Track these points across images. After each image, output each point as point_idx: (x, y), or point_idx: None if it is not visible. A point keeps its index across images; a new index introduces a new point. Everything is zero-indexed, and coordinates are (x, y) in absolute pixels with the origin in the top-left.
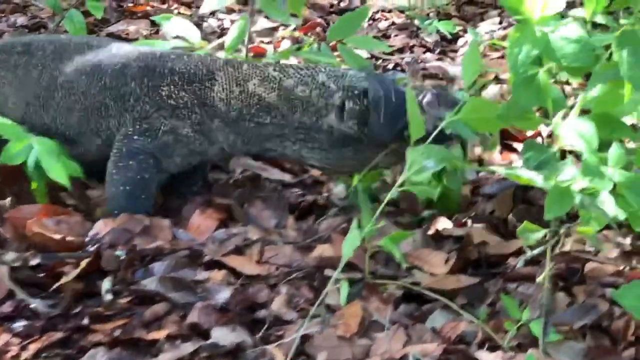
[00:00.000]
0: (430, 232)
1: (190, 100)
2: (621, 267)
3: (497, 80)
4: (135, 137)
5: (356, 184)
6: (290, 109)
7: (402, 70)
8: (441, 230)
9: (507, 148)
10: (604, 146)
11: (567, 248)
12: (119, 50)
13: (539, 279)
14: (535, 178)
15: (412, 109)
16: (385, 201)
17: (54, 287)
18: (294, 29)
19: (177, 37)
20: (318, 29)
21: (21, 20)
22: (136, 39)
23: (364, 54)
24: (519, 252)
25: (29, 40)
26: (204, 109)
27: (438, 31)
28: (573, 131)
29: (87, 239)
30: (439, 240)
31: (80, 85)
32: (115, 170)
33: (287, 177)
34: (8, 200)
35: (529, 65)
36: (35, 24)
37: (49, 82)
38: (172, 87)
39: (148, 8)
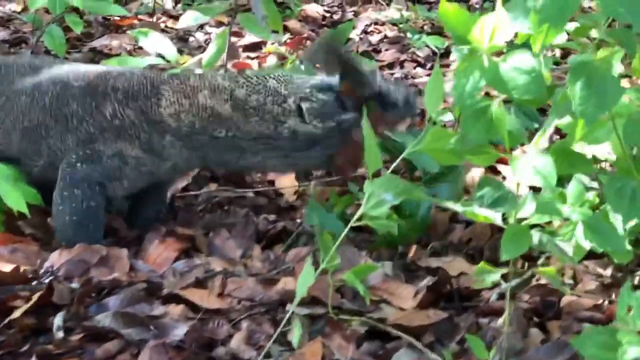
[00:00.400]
0: (403, 261)
1: (137, 118)
2: (600, 301)
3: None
4: (79, 165)
5: (309, 205)
6: (245, 119)
7: None
8: (416, 260)
9: (492, 170)
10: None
11: (543, 280)
12: (59, 70)
13: (500, 321)
14: (492, 216)
15: (370, 141)
16: (345, 232)
17: (4, 322)
18: (283, 43)
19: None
20: (308, 43)
21: (2, 34)
22: (118, 54)
23: None
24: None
25: None
26: (152, 126)
27: (427, 46)
28: (530, 167)
29: (41, 271)
30: (413, 270)
31: (20, 106)
32: (60, 201)
33: (260, 201)
34: None
35: (478, 97)
36: (16, 39)
37: None
38: (116, 105)
39: (135, 22)
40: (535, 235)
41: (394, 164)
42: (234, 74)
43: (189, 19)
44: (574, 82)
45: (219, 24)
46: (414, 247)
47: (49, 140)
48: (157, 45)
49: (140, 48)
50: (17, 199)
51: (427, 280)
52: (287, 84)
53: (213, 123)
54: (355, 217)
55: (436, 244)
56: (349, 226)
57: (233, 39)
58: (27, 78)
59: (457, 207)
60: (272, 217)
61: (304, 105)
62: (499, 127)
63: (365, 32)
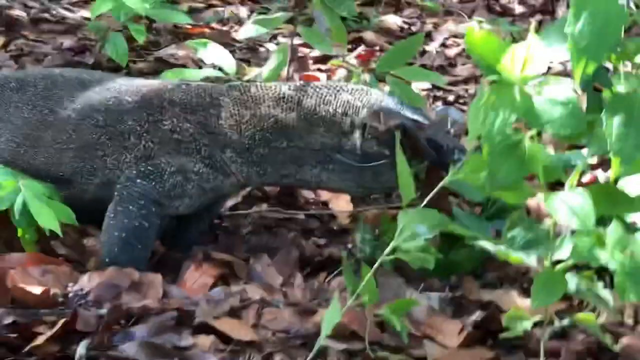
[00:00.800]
0: (453, 294)
1: (197, 131)
2: None
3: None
4: (138, 181)
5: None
6: (310, 129)
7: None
8: (467, 292)
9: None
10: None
11: (601, 319)
12: (110, 85)
13: None
14: (527, 259)
15: (403, 170)
16: (377, 263)
17: (26, 349)
18: (356, 56)
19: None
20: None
21: (68, 42)
22: (183, 65)
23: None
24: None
25: (23, 75)
26: (213, 140)
27: None
28: (565, 206)
29: (70, 295)
30: (463, 304)
31: (71, 124)
32: (112, 215)
33: (312, 223)
34: None
35: (508, 131)
36: (81, 47)
37: (39, 121)
38: (174, 119)
39: (206, 30)
40: (572, 280)
41: (432, 193)
42: (302, 84)
43: (250, 30)
44: (610, 117)
45: (293, 34)
46: (467, 279)
47: (105, 158)
48: (215, 56)
49: None
50: (49, 218)
51: (476, 316)
52: (362, 96)
53: (275, 133)
54: (387, 249)
55: (491, 275)
56: (379, 260)
57: (305, 50)
58: (76, 94)
59: (489, 246)
60: (322, 241)
61: (369, 123)
62: (532, 164)
63: (443, 45)
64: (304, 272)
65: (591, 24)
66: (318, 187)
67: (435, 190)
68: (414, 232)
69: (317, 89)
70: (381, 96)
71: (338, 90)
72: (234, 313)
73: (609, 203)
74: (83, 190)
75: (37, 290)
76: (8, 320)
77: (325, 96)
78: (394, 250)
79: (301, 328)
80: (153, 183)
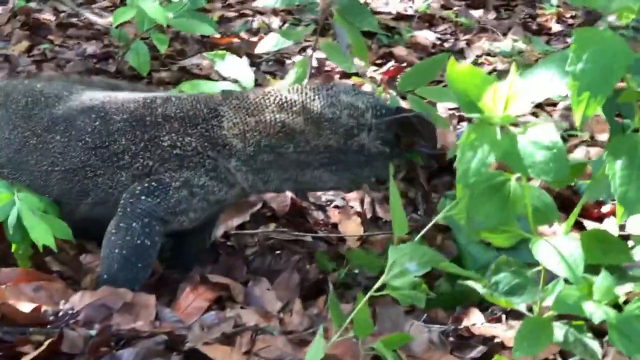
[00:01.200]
0: (456, 326)
1: (200, 144)
2: None
3: (592, 140)
4: (143, 198)
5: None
6: (318, 132)
7: None
8: (471, 325)
9: (576, 226)
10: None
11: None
12: (93, 101)
13: None
14: (516, 303)
15: (395, 204)
16: (368, 296)
17: None
18: (384, 72)
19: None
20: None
21: (91, 48)
22: (206, 76)
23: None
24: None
25: (11, 88)
26: (216, 151)
27: None
28: (554, 253)
29: (60, 314)
30: (465, 338)
31: (56, 147)
32: (114, 231)
33: (320, 246)
34: None
35: (489, 172)
36: (104, 54)
37: (20, 143)
38: (173, 135)
39: (235, 40)
40: (560, 330)
41: (424, 230)
42: (301, 87)
43: (270, 43)
44: (613, 160)
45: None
46: (472, 310)
47: (97, 179)
48: (233, 69)
49: None
50: (43, 232)
51: (477, 352)
52: (363, 98)
53: (281, 139)
54: (376, 286)
55: (498, 307)
56: (367, 296)
57: (332, 64)
58: (58, 112)
59: (477, 287)
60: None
61: (374, 123)
62: (517, 207)
63: (475, 62)
64: (305, 297)
65: (594, 62)
66: (314, 187)
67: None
68: (403, 268)
69: (318, 92)
70: (376, 97)
71: (338, 93)
72: (227, 339)
73: (602, 250)
74: (72, 210)
75: (27, 307)
76: None
77: (329, 98)
78: (383, 286)
79: (294, 358)
80: (158, 200)
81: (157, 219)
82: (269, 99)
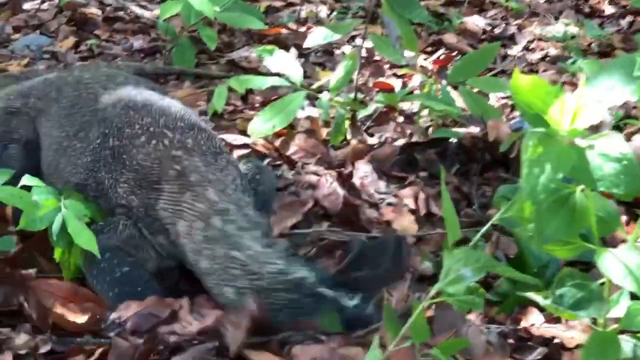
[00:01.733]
0: (515, 327)
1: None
2: None
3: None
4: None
5: None
6: None
7: None
8: (530, 327)
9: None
10: None
11: None
12: None
13: None
14: (581, 317)
15: (448, 210)
16: (423, 304)
17: None
18: (434, 61)
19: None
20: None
21: (138, 43)
22: (255, 69)
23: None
24: None
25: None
26: None
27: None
28: (620, 266)
29: (108, 323)
30: (525, 339)
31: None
32: (94, 281)
33: None
34: (34, 270)
35: (553, 187)
36: (152, 48)
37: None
38: None
39: (283, 31)
40: (628, 344)
41: (480, 233)
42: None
43: (318, 37)
44: None
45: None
46: (530, 310)
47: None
48: (281, 64)
49: None
50: (89, 239)
51: (537, 354)
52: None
53: None
54: (431, 293)
55: None
56: (421, 306)
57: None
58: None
59: (539, 299)
60: None
61: None
62: (584, 218)
63: (526, 48)
64: None
65: None
66: None
67: None
68: (458, 275)
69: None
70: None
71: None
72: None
73: None
74: None
75: (79, 317)
76: (45, 348)
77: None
78: (438, 293)
79: None
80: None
81: (115, 247)
82: None
